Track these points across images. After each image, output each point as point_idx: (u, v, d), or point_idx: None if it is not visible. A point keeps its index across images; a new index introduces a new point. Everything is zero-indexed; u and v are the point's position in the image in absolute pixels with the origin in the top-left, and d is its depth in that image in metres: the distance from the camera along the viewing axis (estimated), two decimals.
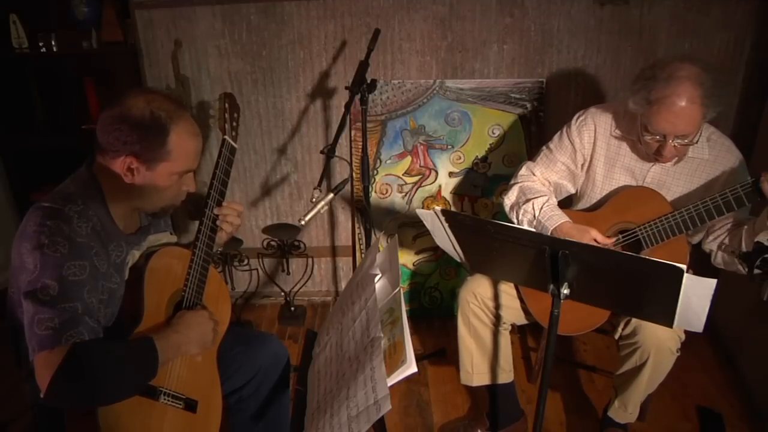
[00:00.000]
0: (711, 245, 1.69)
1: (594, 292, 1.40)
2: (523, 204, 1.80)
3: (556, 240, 1.30)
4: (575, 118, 1.85)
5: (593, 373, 2.31)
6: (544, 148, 1.91)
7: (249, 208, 2.68)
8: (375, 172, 2.51)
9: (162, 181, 1.30)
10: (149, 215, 1.41)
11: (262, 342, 1.63)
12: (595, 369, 2.32)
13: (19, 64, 2.66)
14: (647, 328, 1.62)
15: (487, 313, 1.86)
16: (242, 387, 1.59)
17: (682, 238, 1.65)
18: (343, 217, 2.69)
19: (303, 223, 1.69)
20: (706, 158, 1.67)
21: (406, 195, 2.55)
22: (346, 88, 1.89)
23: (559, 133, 1.88)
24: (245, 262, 2.69)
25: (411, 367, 0.98)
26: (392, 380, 0.98)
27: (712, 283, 1.14)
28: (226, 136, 1.49)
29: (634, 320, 1.68)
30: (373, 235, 2.11)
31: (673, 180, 1.72)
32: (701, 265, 1.73)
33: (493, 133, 2.45)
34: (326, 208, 1.81)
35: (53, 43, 2.54)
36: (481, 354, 1.90)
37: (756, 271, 1.28)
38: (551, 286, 1.33)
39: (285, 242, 2.59)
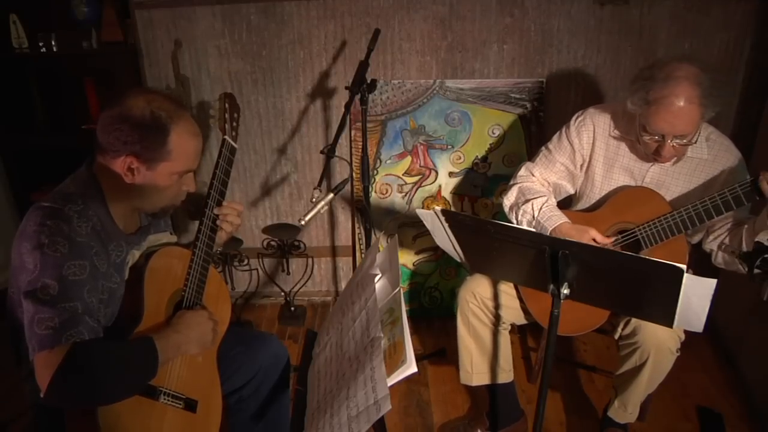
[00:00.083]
0: (711, 245, 1.68)
1: (594, 292, 1.40)
2: (522, 204, 1.80)
3: (556, 240, 1.30)
4: (574, 118, 1.85)
5: (593, 373, 2.31)
6: (543, 148, 1.91)
7: (249, 208, 2.68)
8: (375, 172, 2.51)
9: (162, 181, 1.30)
10: (149, 215, 1.41)
11: (262, 342, 1.63)
12: (595, 369, 2.32)
13: (19, 64, 2.66)
14: (647, 328, 1.62)
15: (487, 313, 1.86)
16: (242, 387, 1.59)
17: (682, 238, 1.65)
18: (343, 217, 2.69)
19: (303, 223, 1.69)
20: (705, 158, 1.67)
21: (406, 195, 2.55)
22: (346, 88, 1.90)
23: (558, 133, 1.88)
24: (245, 262, 2.69)
25: (411, 367, 0.98)
26: (392, 380, 0.98)
27: (712, 283, 1.14)
28: (226, 136, 1.50)
29: (633, 320, 1.68)
30: (373, 235, 2.11)
31: (672, 180, 1.72)
32: (701, 265, 1.73)
33: (493, 133, 2.45)
34: (326, 208, 1.81)
35: (53, 43, 2.54)
36: (480, 354, 1.90)
37: (756, 270, 1.27)
38: (551, 286, 1.33)
39: (285, 242, 2.59)
